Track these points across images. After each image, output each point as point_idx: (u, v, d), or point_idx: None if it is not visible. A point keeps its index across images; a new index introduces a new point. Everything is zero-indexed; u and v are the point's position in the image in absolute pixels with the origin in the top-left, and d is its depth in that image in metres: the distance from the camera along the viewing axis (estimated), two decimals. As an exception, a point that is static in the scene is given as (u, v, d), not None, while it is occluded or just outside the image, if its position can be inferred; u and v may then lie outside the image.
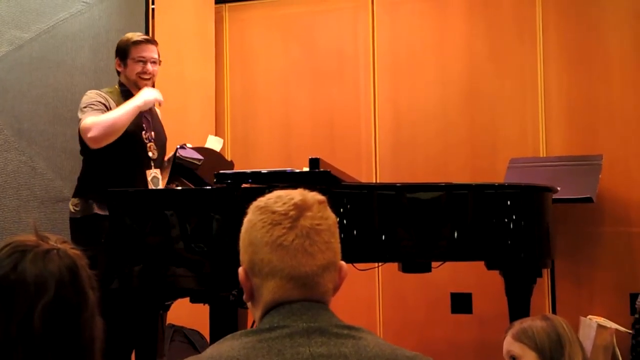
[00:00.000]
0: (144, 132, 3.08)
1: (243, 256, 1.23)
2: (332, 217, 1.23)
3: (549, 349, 1.88)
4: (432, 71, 4.42)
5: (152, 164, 3.04)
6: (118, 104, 3.05)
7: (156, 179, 3.01)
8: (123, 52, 3.14)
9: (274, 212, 1.20)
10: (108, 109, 3.01)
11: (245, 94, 4.76)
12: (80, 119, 3.00)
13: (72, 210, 3.02)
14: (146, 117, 3.12)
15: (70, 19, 3.76)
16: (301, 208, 1.20)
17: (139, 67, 3.09)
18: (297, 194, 1.22)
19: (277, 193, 1.23)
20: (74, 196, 3.04)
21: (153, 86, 3.16)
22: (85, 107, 3.01)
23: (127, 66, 3.12)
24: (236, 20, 4.80)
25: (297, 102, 4.64)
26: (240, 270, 1.23)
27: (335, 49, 4.60)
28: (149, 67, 3.10)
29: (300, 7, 4.70)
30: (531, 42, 4.25)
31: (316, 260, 1.18)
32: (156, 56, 3.14)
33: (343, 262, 1.24)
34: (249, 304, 1.25)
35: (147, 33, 4.03)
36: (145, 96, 3.02)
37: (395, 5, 4.51)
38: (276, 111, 4.68)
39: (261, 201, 1.23)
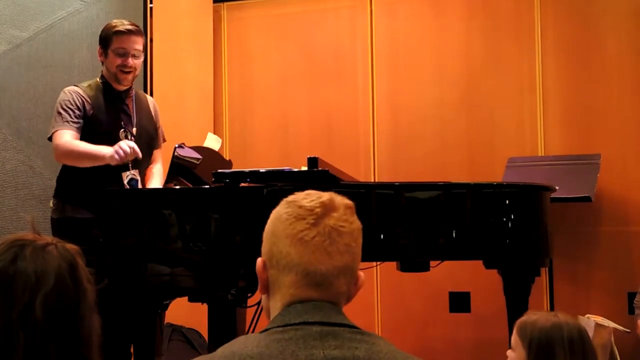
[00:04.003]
0: (121, 131, 2.95)
1: (264, 246, 1.24)
2: (357, 223, 1.24)
3: (535, 352, 1.85)
4: (431, 70, 4.42)
5: (130, 165, 2.90)
6: (94, 100, 2.93)
7: (134, 180, 2.90)
8: (105, 41, 2.96)
9: (300, 207, 1.21)
10: (81, 112, 2.90)
11: (243, 93, 4.75)
12: (52, 125, 2.92)
13: (52, 208, 3.01)
14: (127, 113, 3.00)
15: (68, 17, 3.76)
16: (328, 207, 1.21)
17: (119, 60, 2.92)
18: (326, 195, 1.23)
19: (308, 191, 1.25)
20: (54, 196, 3.01)
21: (133, 80, 3.01)
22: (57, 115, 2.91)
23: (107, 57, 2.95)
24: (234, 19, 4.79)
25: (295, 101, 4.64)
26: (259, 260, 1.24)
27: (333, 48, 4.60)
28: (130, 60, 2.92)
29: (299, 6, 4.70)
30: (529, 41, 4.25)
31: (334, 260, 1.19)
32: (139, 47, 2.95)
33: (362, 273, 1.25)
34: (263, 297, 1.26)
35: (145, 32, 4.02)
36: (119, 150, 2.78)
37: (393, 4, 4.51)
38: (274, 110, 4.68)
39: (291, 196, 1.24)
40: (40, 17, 3.67)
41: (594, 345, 3.50)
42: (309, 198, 1.22)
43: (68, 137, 2.88)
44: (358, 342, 1.15)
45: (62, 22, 3.74)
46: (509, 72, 4.28)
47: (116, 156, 2.75)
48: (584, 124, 4.14)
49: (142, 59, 3.00)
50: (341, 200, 1.24)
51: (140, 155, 2.82)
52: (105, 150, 2.81)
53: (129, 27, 2.95)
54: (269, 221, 1.24)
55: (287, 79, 4.67)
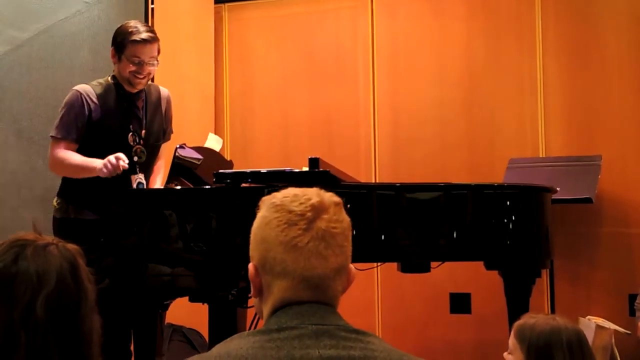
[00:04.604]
0: (130, 134, 2.92)
1: (254, 252, 1.21)
2: (346, 220, 1.22)
3: (534, 356, 1.84)
4: (431, 71, 4.42)
5: (138, 168, 2.88)
6: (103, 102, 2.89)
7: (141, 184, 2.88)
8: (119, 45, 2.89)
9: (290, 212, 1.18)
10: (85, 120, 2.87)
11: (244, 94, 4.76)
12: (55, 126, 2.90)
13: (54, 207, 2.98)
14: (137, 115, 2.96)
15: (69, 18, 3.76)
16: (318, 209, 1.18)
17: (133, 68, 2.86)
18: (314, 194, 1.20)
19: (293, 191, 1.21)
20: (57, 195, 2.98)
21: (146, 83, 2.97)
22: (60, 119, 2.89)
23: (120, 61, 2.89)
24: (235, 20, 4.80)
25: (296, 102, 4.65)
26: (250, 266, 1.22)
27: (334, 48, 4.61)
28: (145, 68, 2.87)
29: (300, 7, 4.70)
30: (530, 42, 4.25)
31: (329, 263, 1.17)
32: (155, 54, 2.89)
33: (352, 266, 1.23)
34: (255, 300, 1.24)
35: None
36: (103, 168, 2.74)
37: (393, 5, 4.51)
38: (275, 111, 4.68)
39: (277, 198, 1.21)
40: (41, 18, 3.67)
41: (594, 348, 3.51)
42: (297, 201, 1.19)
43: (63, 150, 2.88)
44: (353, 341, 1.14)
45: (63, 23, 3.74)
46: (509, 72, 4.28)
47: (104, 169, 2.72)
48: (584, 125, 4.14)
49: (157, 64, 2.93)
50: (329, 199, 1.21)
51: (127, 166, 2.76)
52: (95, 162, 2.78)
53: (145, 36, 2.87)
54: (257, 226, 1.21)
55: (288, 79, 4.67)
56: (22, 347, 1.09)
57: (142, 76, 2.90)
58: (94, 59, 3.78)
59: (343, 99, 4.55)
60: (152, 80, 4.13)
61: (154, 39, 2.91)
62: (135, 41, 2.86)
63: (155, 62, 2.93)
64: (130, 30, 2.89)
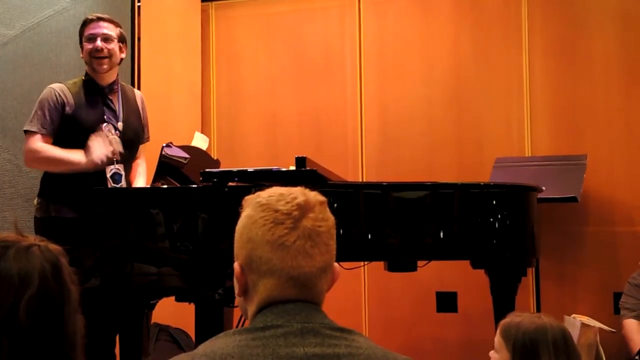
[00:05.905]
0: (104, 125, 2.92)
1: (240, 251, 1.22)
2: (331, 219, 1.23)
3: (520, 355, 1.85)
4: (419, 70, 4.43)
5: (115, 160, 2.89)
6: (76, 97, 2.92)
7: (118, 175, 2.88)
8: (80, 35, 3.00)
9: (276, 211, 1.19)
10: (59, 114, 2.89)
11: (231, 92, 4.75)
12: (29, 121, 2.91)
13: (35, 207, 2.98)
14: (111, 108, 2.97)
15: (55, 16, 3.74)
16: (304, 208, 1.19)
17: (89, 45, 2.92)
18: (299, 193, 1.21)
19: (278, 190, 1.22)
20: (38, 195, 2.98)
21: (112, 66, 2.96)
22: (35, 113, 2.91)
23: (83, 49, 2.97)
24: (222, 18, 4.78)
25: (284, 101, 4.64)
26: (236, 265, 1.22)
27: (321, 47, 4.61)
28: (99, 42, 2.90)
29: (287, 5, 4.70)
30: (517, 41, 4.27)
31: (315, 261, 1.18)
32: (110, 33, 2.94)
33: (336, 264, 1.24)
34: (240, 299, 1.24)
35: (132, 31, 4.00)
36: (94, 157, 2.79)
37: (381, 4, 4.52)
38: (262, 109, 4.68)
39: (262, 197, 1.22)
40: (27, 15, 3.64)
41: (579, 346, 3.53)
42: (283, 200, 1.20)
43: (40, 143, 2.89)
44: (338, 339, 1.15)
45: (49, 20, 3.71)
46: (497, 72, 4.30)
47: (98, 162, 2.76)
48: (570, 125, 4.17)
49: (115, 45, 2.96)
50: (314, 197, 1.22)
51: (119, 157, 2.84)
52: (77, 156, 2.80)
53: (99, 15, 3.00)
54: (243, 225, 1.22)
55: (276, 78, 4.66)
56: (5, 350, 1.07)
57: (100, 54, 2.92)
58: (79, 57, 3.74)
59: (331, 98, 4.56)
60: (139, 77, 4.13)
61: (108, 19, 3.01)
62: (89, 19, 2.98)
63: (114, 41, 2.96)
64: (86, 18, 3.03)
